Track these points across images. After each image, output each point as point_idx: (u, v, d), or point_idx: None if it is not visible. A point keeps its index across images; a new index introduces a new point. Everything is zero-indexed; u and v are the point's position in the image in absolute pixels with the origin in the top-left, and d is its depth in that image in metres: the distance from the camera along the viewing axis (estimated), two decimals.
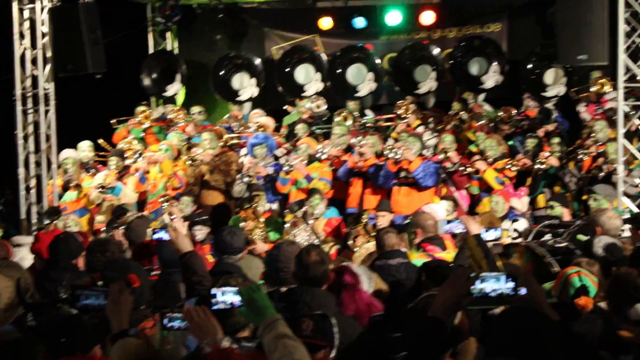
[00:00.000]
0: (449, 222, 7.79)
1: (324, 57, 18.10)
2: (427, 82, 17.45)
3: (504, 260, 7.94)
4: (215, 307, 4.82)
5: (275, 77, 18.24)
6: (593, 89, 15.22)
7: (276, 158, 14.72)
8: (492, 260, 6.91)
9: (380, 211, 12.48)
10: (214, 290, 4.84)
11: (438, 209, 11.26)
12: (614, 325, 5.74)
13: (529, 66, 17.08)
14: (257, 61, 18.25)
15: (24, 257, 9.36)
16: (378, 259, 8.40)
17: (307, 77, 17.92)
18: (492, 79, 17.08)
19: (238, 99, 17.95)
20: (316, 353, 4.90)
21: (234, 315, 5.11)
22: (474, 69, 17.38)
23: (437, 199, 13.28)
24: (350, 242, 11.85)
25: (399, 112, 15.64)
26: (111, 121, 17.00)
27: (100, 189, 14.06)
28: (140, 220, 11.00)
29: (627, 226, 9.51)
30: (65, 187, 14.57)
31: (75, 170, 14.75)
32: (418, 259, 8.33)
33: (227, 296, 4.81)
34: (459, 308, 4.21)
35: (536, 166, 13.67)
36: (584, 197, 13.23)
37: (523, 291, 4.58)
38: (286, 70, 18.12)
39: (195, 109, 17.13)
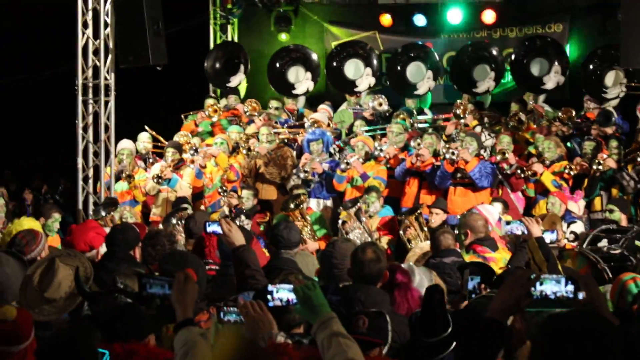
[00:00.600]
0: (508, 223, 7.72)
1: (374, 52, 18.00)
2: (486, 81, 17.27)
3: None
4: (271, 304, 4.82)
5: (326, 71, 18.21)
6: None
7: (331, 155, 14.73)
8: (554, 263, 6.85)
9: (435, 208, 12.44)
10: (270, 287, 4.84)
11: (493, 210, 11.20)
12: None
13: (590, 67, 16.86)
14: (314, 55, 18.23)
15: None
16: (432, 257, 8.39)
17: (357, 72, 17.85)
18: (553, 79, 16.88)
19: (294, 92, 17.94)
20: (370, 350, 4.90)
21: (289, 312, 5.12)
22: (535, 69, 17.19)
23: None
24: (401, 232, 11.87)
25: (457, 111, 15.56)
26: (182, 115, 17.12)
27: (157, 180, 14.17)
28: (202, 213, 11.07)
29: None
30: (117, 177, 14.71)
31: (130, 162, 14.91)
32: (469, 260, 8.28)
33: (282, 293, 4.81)
34: (518, 309, 4.17)
35: (594, 167, 13.54)
36: None
37: (582, 295, 4.53)
38: (334, 64, 18.07)
39: (273, 104, 17.11)
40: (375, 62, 17.85)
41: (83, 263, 5.87)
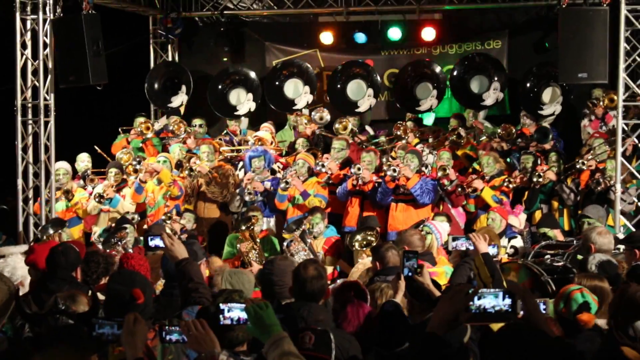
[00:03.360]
0: (455, 238, 7.79)
1: (312, 70, 18.02)
2: (428, 100, 17.34)
3: None
4: (222, 323, 4.85)
5: (265, 92, 18.17)
6: (602, 104, 15.40)
7: (273, 172, 14.74)
8: (499, 279, 6.91)
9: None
10: (222, 306, 4.86)
11: (445, 227, 11.29)
12: (616, 342, 5.72)
13: (527, 84, 17.03)
14: (254, 76, 18.23)
15: (15, 266, 9.16)
16: (377, 274, 8.39)
17: (296, 91, 17.90)
18: (492, 96, 17.01)
19: (236, 113, 17.89)
20: None
21: (232, 330, 5.14)
22: (474, 86, 17.32)
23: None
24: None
25: (398, 132, 15.65)
26: (120, 128, 16.97)
27: (99, 199, 14.11)
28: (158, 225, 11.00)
29: (623, 247, 9.50)
30: (57, 198, 14.57)
31: (67, 181, 14.80)
32: None
33: (234, 312, 4.84)
34: (457, 324, 4.23)
35: (534, 179, 13.70)
36: (580, 212, 13.24)
37: (520, 308, 4.60)
38: (276, 84, 18.09)
39: (197, 122, 17.03)
40: (313, 79, 17.86)
41: (7, 283, 5.82)
